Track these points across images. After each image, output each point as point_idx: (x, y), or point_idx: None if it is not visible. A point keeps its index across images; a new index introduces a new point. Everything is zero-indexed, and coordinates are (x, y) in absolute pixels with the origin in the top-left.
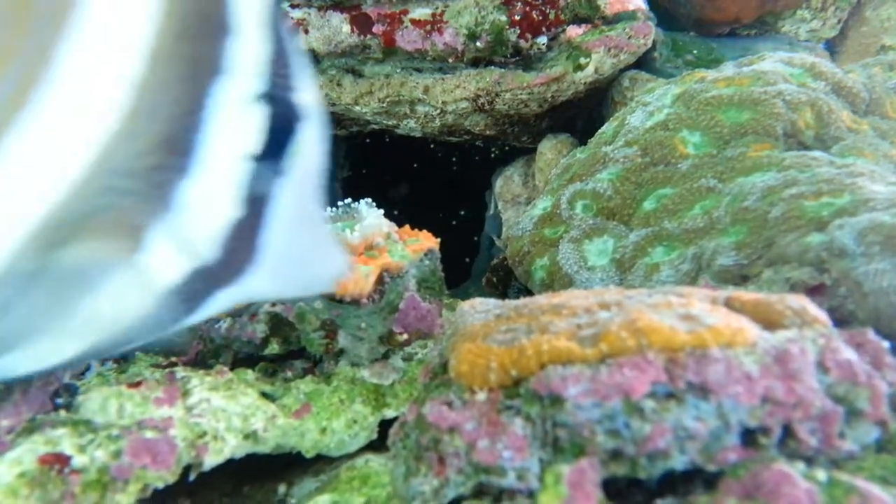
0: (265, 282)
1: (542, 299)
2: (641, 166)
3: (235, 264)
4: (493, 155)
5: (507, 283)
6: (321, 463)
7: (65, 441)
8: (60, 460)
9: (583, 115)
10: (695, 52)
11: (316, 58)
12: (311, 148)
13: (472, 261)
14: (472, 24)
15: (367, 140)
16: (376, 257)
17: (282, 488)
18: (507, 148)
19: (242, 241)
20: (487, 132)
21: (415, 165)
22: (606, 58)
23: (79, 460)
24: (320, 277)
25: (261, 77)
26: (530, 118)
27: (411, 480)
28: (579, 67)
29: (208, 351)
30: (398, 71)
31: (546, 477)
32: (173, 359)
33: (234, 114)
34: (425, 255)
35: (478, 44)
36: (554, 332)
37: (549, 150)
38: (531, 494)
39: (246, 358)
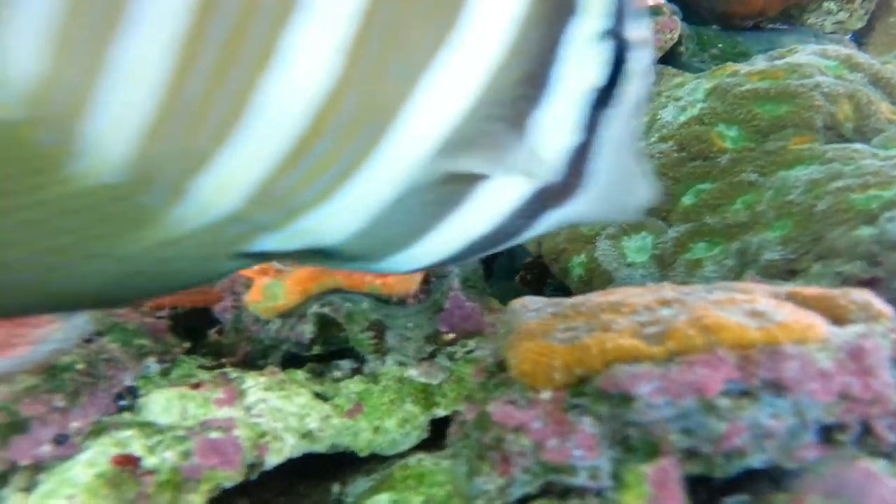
0: (587, 206)
1: (598, 297)
2: (678, 161)
3: (568, 187)
4: None
5: (542, 281)
6: (373, 462)
7: (134, 443)
8: (131, 461)
9: None
10: (720, 45)
11: None
12: (638, 82)
13: (494, 259)
14: None
15: None
16: None
17: (336, 487)
18: None
19: (576, 166)
20: None
21: None
22: None
23: (149, 461)
24: (632, 205)
25: (606, 16)
26: None
27: (475, 479)
28: None
29: (256, 352)
30: None
31: (627, 477)
32: (222, 360)
33: (582, 50)
34: None
35: None
36: (617, 331)
37: None
38: (599, 493)
39: (291, 359)
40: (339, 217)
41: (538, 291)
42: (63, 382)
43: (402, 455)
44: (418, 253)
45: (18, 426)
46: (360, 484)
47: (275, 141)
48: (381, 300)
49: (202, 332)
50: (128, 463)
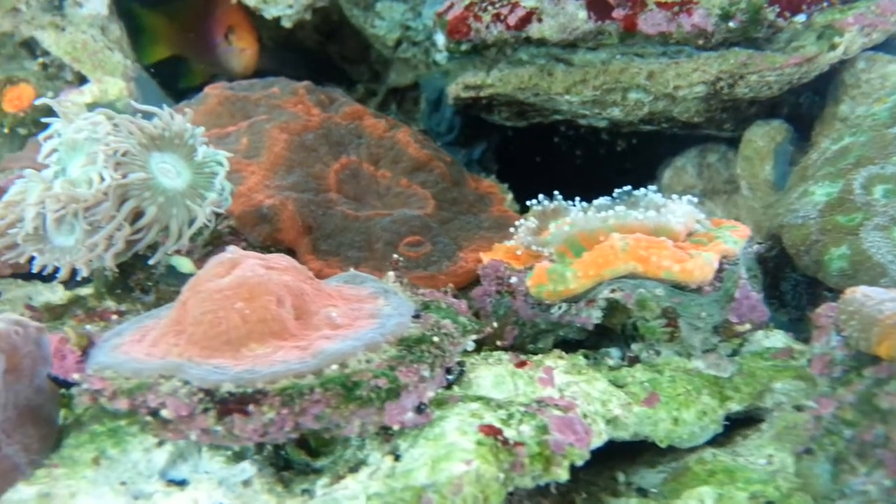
0: None
1: None
2: None
3: None
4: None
5: (779, 275)
6: (648, 454)
7: (486, 414)
8: (495, 431)
9: (790, 100)
10: None
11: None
12: None
13: None
14: (727, 3)
15: (517, 134)
16: (705, 244)
17: (621, 476)
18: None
19: None
20: (695, 119)
21: (568, 159)
22: (859, 37)
23: (508, 433)
24: None
25: None
26: (744, 104)
27: (846, 478)
28: (832, 47)
29: (527, 336)
30: (617, 57)
31: None
32: (498, 343)
33: None
34: (747, 241)
35: (730, 24)
36: None
37: (761, 137)
38: None
39: (556, 346)
40: None
41: (774, 285)
42: (423, 354)
43: (693, 449)
44: None
45: (393, 392)
46: (648, 475)
47: None
48: (677, 287)
49: None
50: (493, 433)
